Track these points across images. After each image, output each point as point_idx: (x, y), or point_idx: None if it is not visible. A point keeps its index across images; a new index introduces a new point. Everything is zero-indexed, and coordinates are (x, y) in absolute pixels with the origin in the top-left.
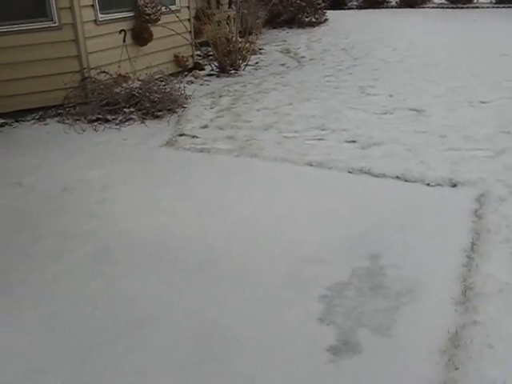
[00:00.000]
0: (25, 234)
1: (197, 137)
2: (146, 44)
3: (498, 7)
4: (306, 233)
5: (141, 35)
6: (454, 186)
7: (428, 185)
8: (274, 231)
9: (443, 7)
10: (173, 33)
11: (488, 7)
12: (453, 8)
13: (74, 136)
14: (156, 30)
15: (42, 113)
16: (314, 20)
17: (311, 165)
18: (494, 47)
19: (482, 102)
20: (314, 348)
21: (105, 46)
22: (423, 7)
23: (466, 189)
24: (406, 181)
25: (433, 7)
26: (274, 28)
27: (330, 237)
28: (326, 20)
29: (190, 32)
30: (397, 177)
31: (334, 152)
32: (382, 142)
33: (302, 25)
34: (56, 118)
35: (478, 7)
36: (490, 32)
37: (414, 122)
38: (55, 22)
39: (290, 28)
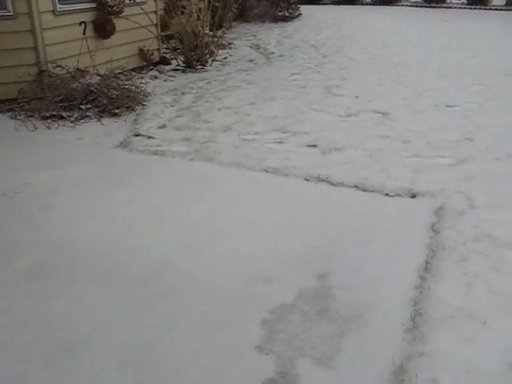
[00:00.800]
0: None
1: (153, 137)
2: (108, 37)
3: (469, 8)
4: (258, 245)
5: (103, 27)
6: (414, 196)
7: (387, 195)
8: (226, 242)
9: (417, 6)
10: (138, 25)
11: (460, 8)
12: (426, 7)
13: (25, 134)
14: (119, 23)
15: None
16: (287, 14)
17: (267, 171)
18: (464, 49)
19: (449, 106)
20: (249, 380)
21: (63, 38)
22: (398, 5)
23: (425, 200)
24: (364, 190)
25: (407, 5)
26: (247, 22)
27: (282, 250)
28: (299, 15)
29: (156, 25)
30: (355, 186)
31: (293, 157)
32: (344, 148)
33: (275, 19)
34: (8, 114)
35: (450, 7)
36: (461, 33)
37: (378, 126)
38: (9, 11)
39: (263, 22)
